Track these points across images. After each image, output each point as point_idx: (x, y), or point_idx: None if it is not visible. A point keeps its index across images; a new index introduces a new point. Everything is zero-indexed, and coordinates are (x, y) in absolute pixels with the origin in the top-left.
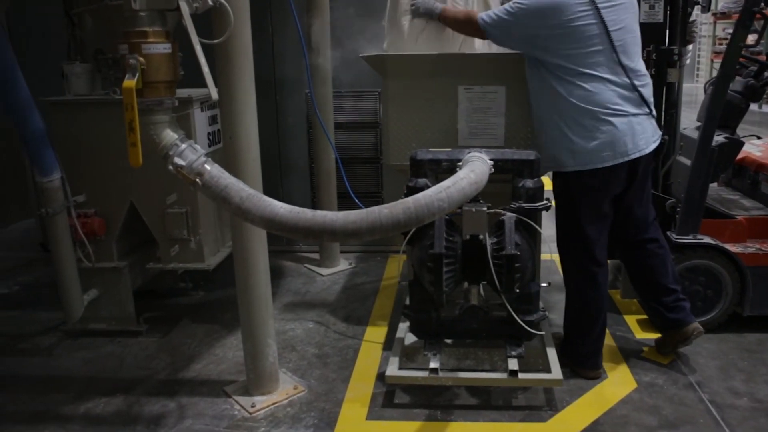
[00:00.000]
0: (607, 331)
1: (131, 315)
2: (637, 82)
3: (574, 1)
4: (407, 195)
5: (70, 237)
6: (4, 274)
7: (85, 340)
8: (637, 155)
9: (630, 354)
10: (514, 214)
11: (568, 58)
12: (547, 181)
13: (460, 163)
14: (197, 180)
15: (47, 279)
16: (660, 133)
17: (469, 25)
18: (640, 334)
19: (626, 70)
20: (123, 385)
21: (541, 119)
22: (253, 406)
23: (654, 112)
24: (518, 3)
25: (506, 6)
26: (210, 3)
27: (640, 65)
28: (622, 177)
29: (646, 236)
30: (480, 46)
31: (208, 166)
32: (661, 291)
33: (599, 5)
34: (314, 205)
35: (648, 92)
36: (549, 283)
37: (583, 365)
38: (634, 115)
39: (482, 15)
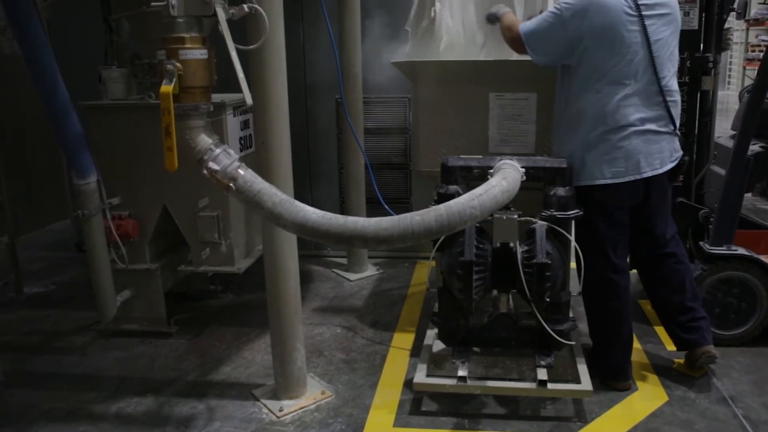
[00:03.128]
0: (638, 342)
1: (162, 316)
2: (668, 98)
3: (621, 4)
4: (438, 201)
5: (104, 238)
6: (41, 274)
7: (117, 339)
8: (650, 174)
9: (661, 366)
10: (545, 223)
11: (602, 66)
12: None
13: (491, 171)
14: (231, 184)
15: (82, 279)
16: (680, 153)
17: (510, 35)
18: (671, 346)
19: (659, 85)
20: (154, 386)
21: (560, 130)
22: (281, 410)
23: (678, 132)
24: (565, 2)
25: (551, 9)
26: (246, 9)
27: (673, 82)
28: (635, 193)
29: (665, 251)
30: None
31: (241, 171)
32: (677, 309)
33: (644, 13)
34: (343, 211)
35: (676, 111)
36: (580, 292)
37: (612, 376)
38: (655, 132)
39: (524, 23)
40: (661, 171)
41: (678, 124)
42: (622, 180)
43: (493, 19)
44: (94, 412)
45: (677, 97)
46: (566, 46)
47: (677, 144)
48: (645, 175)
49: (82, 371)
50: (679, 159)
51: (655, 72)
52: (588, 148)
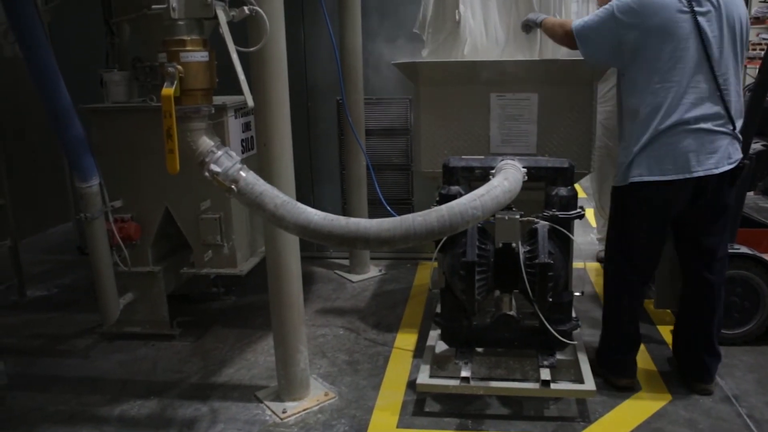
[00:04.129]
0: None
1: (165, 319)
2: (726, 98)
3: (673, 2)
4: (439, 202)
5: (107, 241)
6: (44, 277)
7: (120, 342)
8: (702, 174)
9: (664, 366)
10: (547, 223)
11: (654, 64)
12: (579, 189)
13: (493, 171)
14: (233, 187)
15: (84, 282)
16: (740, 156)
17: (562, 30)
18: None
19: (717, 84)
20: (157, 388)
21: (621, 134)
22: (284, 412)
23: (738, 133)
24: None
25: (604, 6)
26: (247, 11)
27: (733, 81)
28: (682, 195)
29: (707, 276)
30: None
31: (243, 173)
32: (696, 339)
33: (696, 9)
34: (344, 212)
35: (736, 112)
36: (582, 292)
37: (614, 372)
38: (709, 131)
39: (577, 21)
40: (715, 172)
41: (738, 126)
42: (669, 178)
43: (531, 25)
44: (98, 414)
45: (737, 98)
46: (615, 43)
47: (737, 146)
48: (696, 175)
49: (85, 374)
50: (738, 162)
51: (711, 69)
52: (640, 147)
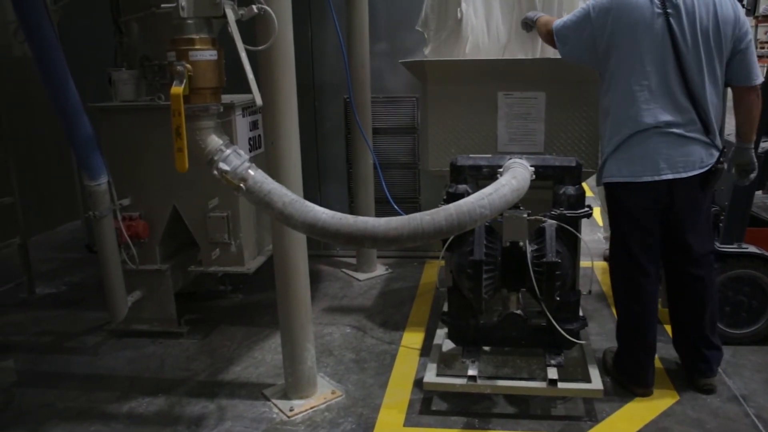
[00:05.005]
0: None
1: (173, 316)
2: (699, 105)
3: (647, 5)
4: (447, 201)
5: (115, 239)
6: (52, 275)
7: (128, 340)
8: (671, 177)
9: (671, 365)
10: (555, 221)
11: (626, 66)
12: (586, 188)
13: (500, 170)
14: (241, 185)
15: (93, 280)
16: (713, 161)
17: (545, 29)
18: None
19: (688, 90)
20: (165, 386)
21: (600, 128)
22: (291, 410)
23: (717, 141)
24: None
25: (581, 5)
26: (255, 10)
27: (708, 88)
28: (657, 196)
29: (693, 271)
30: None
31: (252, 172)
32: (692, 335)
33: (669, 11)
34: (352, 211)
35: (712, 119)
36: (590, 291)
37: (631, 381)
38: (681, 136)
39: (558, 20)
40: (684, 175)
41: (716, 132)
42: (639, 180)
43: (529, 23)
44: (106, 411)
45: (716, 104)
46: (590, 42)
47: (713, 152)
48: (665, 177)
49: (94, 371)
50: (710, 167)
51: (683, 74)
52: (612, 147)
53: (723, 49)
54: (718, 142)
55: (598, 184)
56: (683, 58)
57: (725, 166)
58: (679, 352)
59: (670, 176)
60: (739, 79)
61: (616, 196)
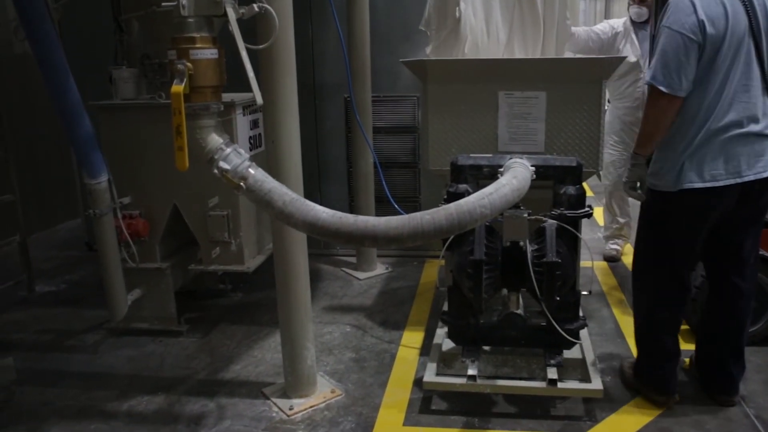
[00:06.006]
0: None
1: (173, 315)
2: None
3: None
4: (447, 200)
5: (115, 237)
6: (52, 273)
7: (128, 338)
8: (752, 178)
9: None
10: (555, 221)
11: (714, 61)
12: (586, 188)
13: (501, 169)
14: (241, 184)
15: (93, 278)
16: None
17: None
18: (683, 345)
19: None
20: (164, 384)
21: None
22: (291, 409)
23: None
24: (666, 26)
25: (662, 39)
26: (256, 9)
27: None
28: (729, 200)
29: (738, 282)
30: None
31: (252, 170)
32: (724, 349)
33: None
34: (352, 210)
35: None
36: (590, 291)
37: (654, 389)
38: (758, 134)
39: (649, 75)
40: (764, 175)
41: None
42: (720, 184)
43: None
44: (106, 410)
45: None
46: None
47: None
48: (746, 179)
49: (94, 369)
50: None
51: (762, 69)
52: (688, 151)
53: None
54: None
55: (668, 189)
56: (761, 52)
57: None
58: (701, 368)
59: (751, 177)
60: None
61: (686, 204)
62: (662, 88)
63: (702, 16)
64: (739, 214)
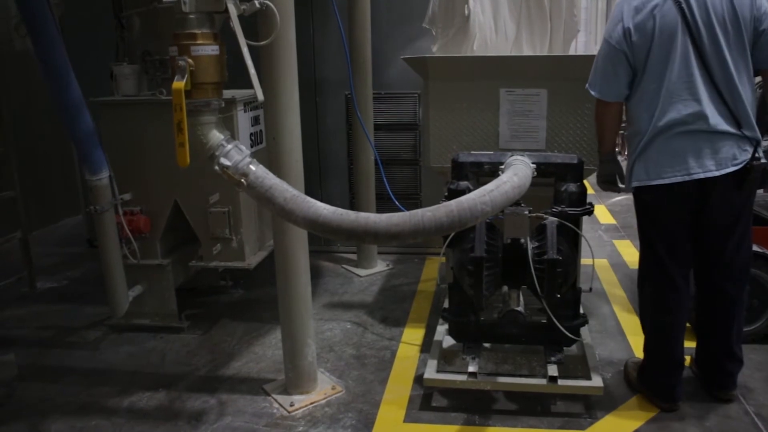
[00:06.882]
0: None
1: (174, 311)
2: (725, 95)
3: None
4: (448, 197)
5: (116, 234)
6: (53, 269)
7: (129, 334)
8: (702, 176)
9: None
10: (556, 219)
11: (645, 64)
12: (587, 186)
13: (502, 167)
14: (242, 180)
15: (94, 274)
16: (748, 157)
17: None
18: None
19: (712, 80)
20: (165, 380)
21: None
22: (291, 405)
23: (753, 133)
24: (605, 34)
25: (605, 37)
26: (257, 5)
27: (735, 77)
28: (686, 198)
29: (724, 287)
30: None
31: (253, 167)
32: (718, 349)
33: (680, 3)
34: (353, 207)
35: (743, 110)
36: (590, 289)
37: (656, 394)
38: (707, 132)
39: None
40: (716, 174)
41: (750, 126)
42: (667, 181)
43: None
44: (107, 406)
45: (745, 94)
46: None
47: (746, 147)
48: (696, 177)
49: (95, 366)
50: (745, 163)
51: (703, 64)
52: (637, 150)
53: (743, 33)
54: (755, 134)
55: (628, 190)
56: (701, 44)
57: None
58: (699, 366)
59: (701, 175)
60: (766, 62)
61: (643, 201)
62: (594, 94)
63: (628, 24)
64: (709, 217)
